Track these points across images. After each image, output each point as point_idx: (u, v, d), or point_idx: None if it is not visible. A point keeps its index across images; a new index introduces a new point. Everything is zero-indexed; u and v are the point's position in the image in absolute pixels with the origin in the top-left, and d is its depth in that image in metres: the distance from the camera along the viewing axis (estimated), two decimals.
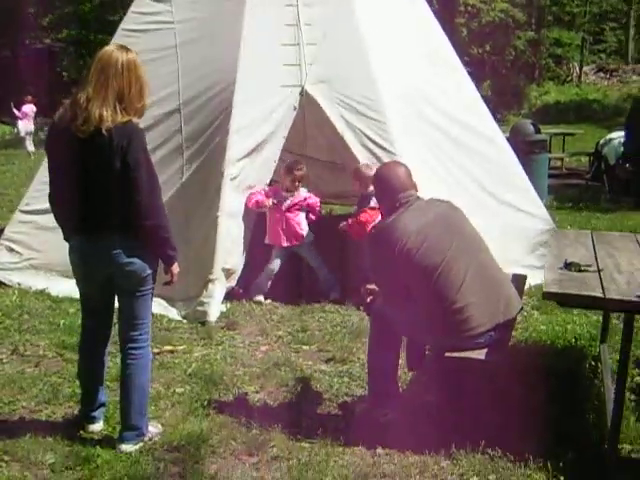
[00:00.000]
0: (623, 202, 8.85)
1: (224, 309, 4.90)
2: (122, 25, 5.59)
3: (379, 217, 4.83)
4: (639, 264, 3.27)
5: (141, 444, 3.05)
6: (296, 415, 3.38)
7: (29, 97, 15.84)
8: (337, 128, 5.13)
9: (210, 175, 4.96)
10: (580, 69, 27.55)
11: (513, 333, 3.93)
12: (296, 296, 5.15)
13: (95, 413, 3.20)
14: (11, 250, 5.47)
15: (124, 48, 2.93)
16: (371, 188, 4.97)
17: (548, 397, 3.45)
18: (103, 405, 3.23)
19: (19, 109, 15.41)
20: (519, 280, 3.85)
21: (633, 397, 3.52)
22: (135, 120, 2.89)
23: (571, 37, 26.55)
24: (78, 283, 3.11)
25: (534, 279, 4.63)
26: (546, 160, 9.28)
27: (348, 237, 5.18)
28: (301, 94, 5.16)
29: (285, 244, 5.32)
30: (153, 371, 3.34)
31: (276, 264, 5.32)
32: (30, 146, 14.91)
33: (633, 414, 3.32)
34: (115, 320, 3.13)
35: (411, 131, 5.23)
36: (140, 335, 3.02)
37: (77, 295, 3.24)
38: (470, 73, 6.19)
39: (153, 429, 3.14)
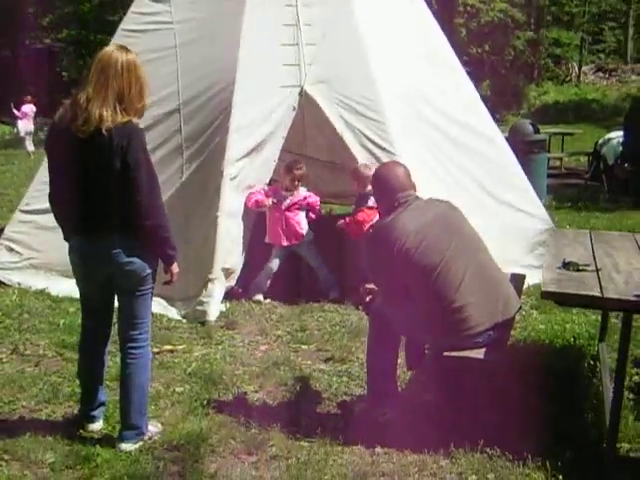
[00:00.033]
0: (622, 202, 8.86)
1: (223, 309, 4.91)
2: (122, 25, 5.60)
3: (376, 216, 4.85)
4: (637, 263, 3.28)
5: (141, 443, 3.06)
6: (295, 414, 3.39)
7: (29, 97, 15.84)
8: (336, 128, 5.14)
9: (210, 175, 4.97)
10: (579, 69, 27.56)
11: (512, 332, 3.94)
12: (295, 296, 5.16)
13: (95, 412, 3.21)
14: (11, 250, 5.48)
15: (124, 49, 2.94)
16: (369, 188, 4.99)
17: (547, 396, 3.46)
18: (103, 404, 3.24)
19: (19, 109, 15.41)
20: (518, 280, 3.86)
21: (632, 396, 3.53)
22: (135, 120, 2.90)
23: (570, 37, 26.56)
24: (78, 283, 3.12)
25: (533, 279, 4.63)
26: (545, 160, 9.28)
27: (346, 236, 5.19)
28: (300, 94, 5.17)
29: (285, 243, 5.33)
30: (153, 370, 3.35)
31: (275, 263, 5.33)
32: (30, 146, 14.91)
33: (631, 413, 3.33)
34: (115, 319, 3.14)
35: (410, 131, 5.24)
36: (140, 334, 3.03)
37: (77, 295, 3.25)
38: (469, 73, 6.20)
39: (153, 428, 3.15)
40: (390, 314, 3.26)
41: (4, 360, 4.06)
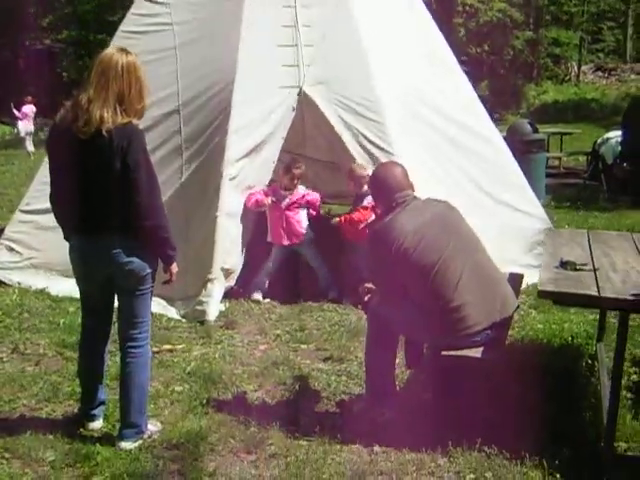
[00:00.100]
0: (621, 201, 8.87)
1: (223, 308, 4.93)
2: (122, 27, 5.62)
3: (372, 216, 4.88)
4: (634, 263, 3.29)
5: (140, 442, 3.08)
6: (294, 413, 3.40)
7: (29, 97, 15.86)
8: (335, 128, 5.15)
9: (209, 175, 4.99)
10: (578, 68, 27.58)
11: (510, 332, 3.95)
12: (294, 295, 5.18)
13: (95, 411, 3.23)
14: (11, 249, 5.50)
15: (124, 51, 2.96)
16: (365, 188, 5.03)
17: (545, 395, 3.46)
18: (103, 403, 3.26)
19: (19, 109, 15.43)
20: (516, 279, 3.88)
21: (629, 395, 3.54)
22: (135, 121, 2.92)
23: (569, 36, 26.55)
24: (78, 282, 3.14)
25: (531, 278, 4.64)
26: (544, 159, 9.30)
27: (342, 235, 5.22)
28: (299, 95, 5.18)
29: (286, 243, 5.35)
30: (152, 370, 3.37)
31: (275, 262, 5.35)
32: (30, 146, 14.93)
33: (629, 412, 3.35)
34: (115, 319, 3.16)
35: (409, 131, 5.26)
36: (139, 334, 3.05)
37: (77, 294, 3.27)
38: (468, 73, 6.22)
39: (152, 427, 3.17)
40: (388, 313, 3.28)
41: (5, 359, 4.08)
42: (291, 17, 5.23)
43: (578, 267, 3.15)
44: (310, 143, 6.58)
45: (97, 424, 3.23)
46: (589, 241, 3.76)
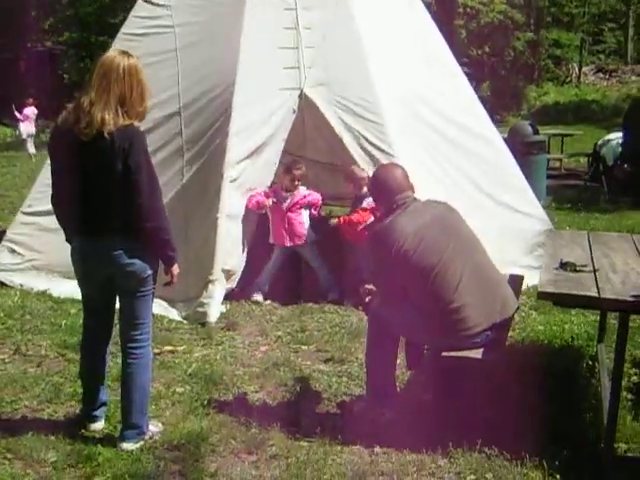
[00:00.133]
0: (621, 202, 8.88)
1: (224, 310, 4.94)
2: (123, 29, 5.63)
3: (371, 218, 4.89)
4: (634, 264, 3.29)
5: (142, 442, 3.09)
6: (295, 414, 3.41)
7: (30, 99, 15.87)
8: (336, 130, 5.17)
9: (210, 177, 5.00)
10: (579, 70, 27.57)
11: (511, 333, 3.97)
12: (295, 297, 5.19)
13: (96, 412, 3.24)
14: (13, 251, 5.52)
15: (125, 53, 2.97)
16: (364, 189, 5.04)
17: (545, 396, 3.47)
18: (104, 404, 3.27)
19: (20, 111, 15.43)
20: (516, 280, 3.89)
21: (630, 396, 3.55)
22: (136, 123, 2.93)
23: (570, 38, 26.56)
24: (79, 283, 3.15)
25: (532, 280, 4.65)
26: (545, 161, 9.31)
27: (341, 236, 5.23)
28: (300, 97, 5.20)
29: (289, 244, 5.36)
30: (154, 371, 3.37)
31: (277, 263, 5.36)
32: (31, 148, 14.94)
33: (629, 413, 3.35)
34: (116, 320, 3.17)
35: (409, 133, 5.27)
36: (141, 335, 3.06)
37: (78, 296, 3.28)
38: (469, 74, 6.24)
39: (154, 428, 3.18)
40: (389, 315, 3.28)
41: (7, 360, 4.09)
42: (292, 19, 5.25)
43: (578, 268, 3.15)
44: (310, 145, 6.59)
45: (99, 425, 3.24)
46: (589, 242, 3.76)
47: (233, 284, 5.05)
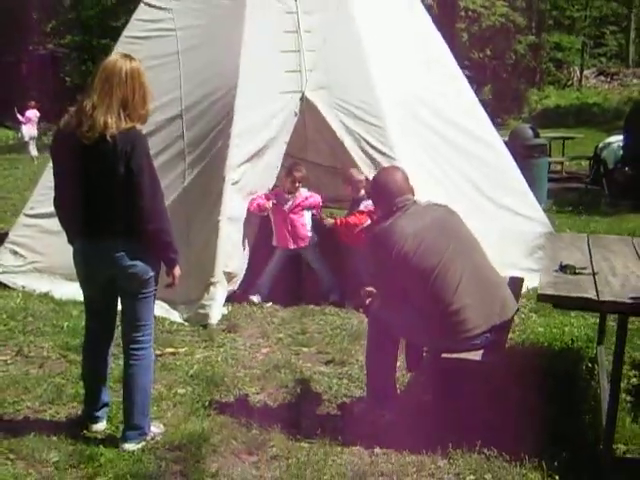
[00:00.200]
0: (622, 205, 8.88)
1: (225, 312, 4.95)
2: (125, 32, 5.66)
3: (368, 220, 4.92)
4: (634, 267, 3.30)
5: (143, 443, 3.10)
6: (295, 416, 3.43)
7: (32, 102, 15.92)
8: (337, 133, 5.19)
9: (212, 180, 5.02)
10: (581, 73, 27.58)
11: (511, 335, 3.98)
12: (296, 298, 5.20)
13: (98, 413, 3.25)
14: (15, 253, 5.54)
15: (128, 57, 2.99)
16: (362, 192, 5.07)
17: (545, 398, 3.48)
18: (106, 405, 3.29)
19: (22, 114, 15.49)
20: (516, 283, 3.90)
21: (629, 398, 3.56)
22: (138, 126, 2.95)
23: (571, 41, 26.59)
24: (81, 285, 3.17)
25: (532, 282, 4.64)
26: (546, 164, 9.32)
27: (338, 238, 5.25)
28: (301, 100, 5.22)
29: (292, 246, 5.38)
30: (155, 372, 3.39)
31: (278, 265, 5.38)
32: (33, 151, 14.99)
33: (628, 415, 3.36)
34: (118, 322, 3.19)
35: (410, 136, 5.29)
36: (143, 336, 3.08)
37: (80, 298, 3.30)
38: (471, 77, 6.27)
39: (155, 429, 3.20)
40: (389, 317, 3.30)
41: (9, 362, 4.11)
42: (293, 23, 5.27)
43: (577, 271, 3.17)
44: (312, 147, 6.61)
45: (100, 426, 3.26)
46: (589, 245, 3.78)
47: (234, 286, 5.07)
